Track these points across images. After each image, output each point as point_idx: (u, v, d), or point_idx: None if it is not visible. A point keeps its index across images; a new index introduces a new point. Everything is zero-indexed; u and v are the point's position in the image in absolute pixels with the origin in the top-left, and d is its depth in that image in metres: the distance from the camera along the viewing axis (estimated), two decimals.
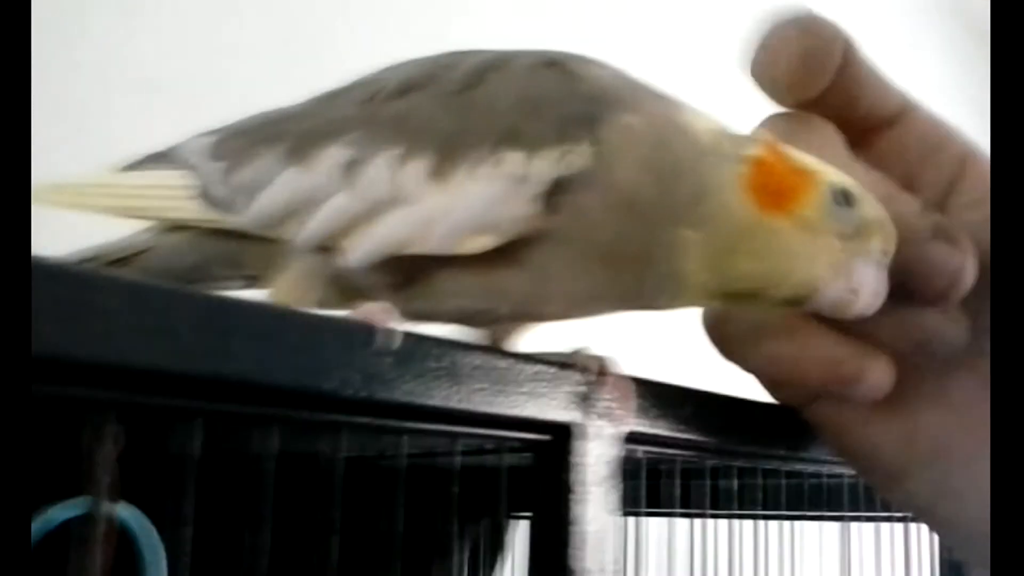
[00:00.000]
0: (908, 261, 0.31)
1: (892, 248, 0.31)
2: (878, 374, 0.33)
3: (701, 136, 0.31)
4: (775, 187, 0.31)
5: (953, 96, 1.57)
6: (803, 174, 0.31)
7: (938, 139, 0.35)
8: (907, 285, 0.32)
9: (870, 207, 0.31)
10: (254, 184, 0.33)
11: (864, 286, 0.31)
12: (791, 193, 0.31)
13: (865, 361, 0.32)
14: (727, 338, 0.34)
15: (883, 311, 0.31)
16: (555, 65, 0.32)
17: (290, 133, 0.33)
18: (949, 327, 0.33)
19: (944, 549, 0.57)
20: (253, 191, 0.33)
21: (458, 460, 0.29)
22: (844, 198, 0.31)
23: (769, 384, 0.37)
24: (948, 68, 1.70)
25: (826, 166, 0.32)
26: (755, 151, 0.31)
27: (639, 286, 0.32)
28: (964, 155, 0.34)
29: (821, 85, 0.33)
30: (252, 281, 0.36)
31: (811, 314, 0.33)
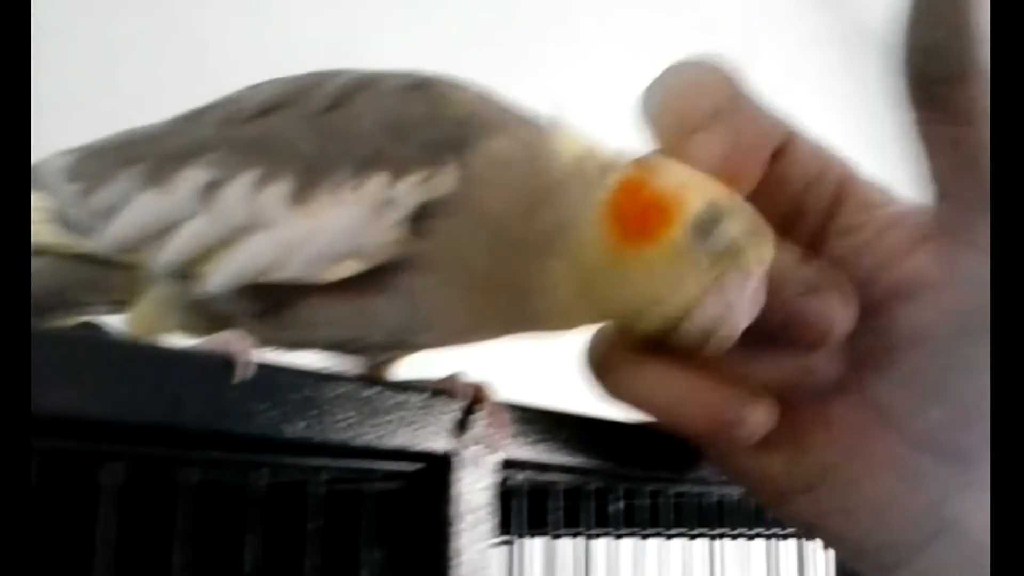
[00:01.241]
0: (783, 314, 0.32)
1: (768, 254, 0.31)
2: (758, 418, 0.33)
3: (567, 162, 0.31)
4: (638, 215, 0.30)
5: (843, 107, 1.62)
6: (668, 199, 0.30)
7: (818, 167, 0.34)
8: (782, 334, 0.32)
9: (739, 222, 0.31)
10: (110, 207, 0.32)
11: (736, 303, 0.30)
12: (654, 221, 0.30)
13: (745, 407, 0.32)
14: (608, 384, 0.34)
15: (759, 354, 0.31)
16: (422, 87, 0.31)
17: (148, 154, 0.32)
18: (821, 364, 0.34)
19: (840, 562, 0.58)
20: (109, 214, 0.32)
21: (321, 490, 0.28)
22: (711, 219, 0.30)
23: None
24: (835, 77, 1.74)
25: (699, 183, 0.31)
26: (621, 177, 0.31)
27: (517, 313, 0.31)
28: (843, 180, 0.34)
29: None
30: (118, 306, 0.34)
31: (691, 357, 0.32)
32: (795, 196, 0.34)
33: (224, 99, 0.34)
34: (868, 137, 0.93)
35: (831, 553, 0.57)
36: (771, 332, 0.32)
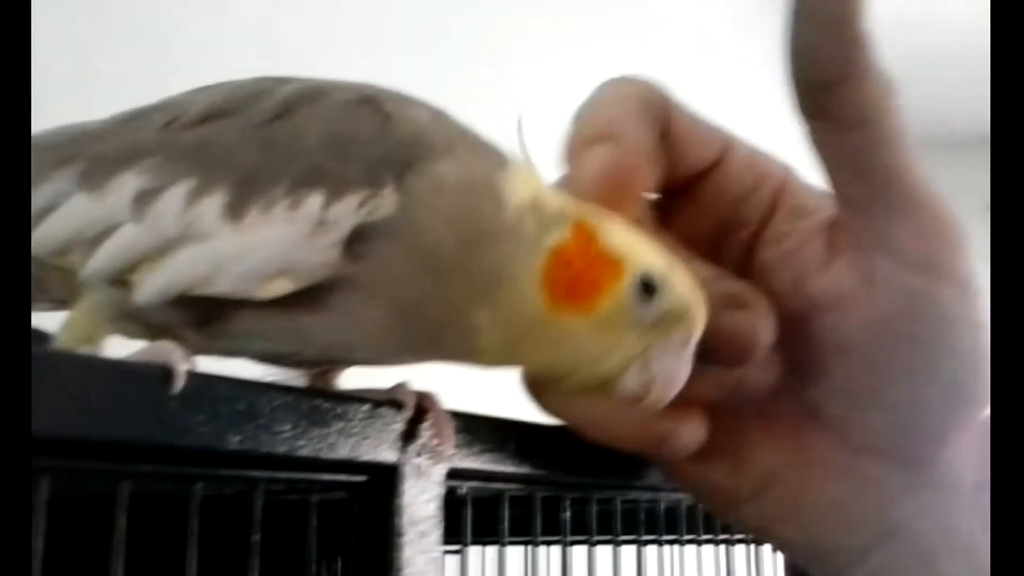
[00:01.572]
0: (706, 330, 0.31)
1: (697, 332, 0.31)
2: (688, 434, 0.32)
3: (510, 209, 0.30)
4: (573, 282, 0.30)
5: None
6: (607, 264, 0.30)
7: (755, 177, 0.34)
8: (707, 348, 0.32)
9: (677, 294, 0.30)
10: (43, 208, 0.31)
11: (660, 377, 0.30)
12: (589, 288, 0.30)
13: (674, 423, 0.32)
14: (543, 401, 0.33)
15: (694, 368, 0.31)
16: (370, 103, 0.31)
17: (85, 155, 0.32)
18: (752, 374, 0.34)
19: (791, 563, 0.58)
20: (41, 215, 0.31)
21: (264, 502, 0.28)
22: (649, 288, 0.30)
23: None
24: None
25: (640, 245, 0.31)
26: (560, 237, 0.30)
27: (446, 346, 0.31)
28: (779, 189, 0.35)
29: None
30: (61, 304, 0.34)
31: None
32: (731, 206, 0.34)
33: (168, 101, 0.33)
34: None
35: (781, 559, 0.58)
36: (700, 349, 0.31)
